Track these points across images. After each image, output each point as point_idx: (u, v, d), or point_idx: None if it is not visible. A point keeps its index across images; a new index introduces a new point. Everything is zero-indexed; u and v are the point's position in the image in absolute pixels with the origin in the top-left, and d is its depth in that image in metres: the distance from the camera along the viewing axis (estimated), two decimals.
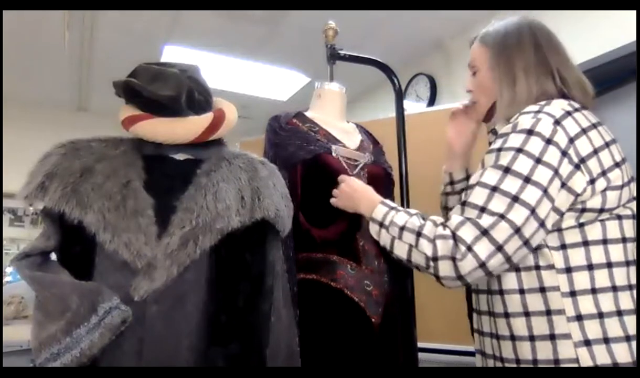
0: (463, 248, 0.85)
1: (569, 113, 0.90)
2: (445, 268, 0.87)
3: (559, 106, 0.92)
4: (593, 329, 0.84)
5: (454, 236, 0.87)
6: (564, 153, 0.86)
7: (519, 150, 0.87)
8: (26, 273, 0.85)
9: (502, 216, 0.84)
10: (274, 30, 2.89)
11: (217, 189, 0.92)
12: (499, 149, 0.90)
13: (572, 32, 2.23)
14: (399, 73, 1.47)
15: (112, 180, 0.88)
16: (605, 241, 0.87)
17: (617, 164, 0.89)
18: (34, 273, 0.84)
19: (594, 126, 0.91)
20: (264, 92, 3.79)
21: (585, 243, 0.87)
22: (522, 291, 0.90)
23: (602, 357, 0.82)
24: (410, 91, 3.25)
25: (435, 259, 0.88)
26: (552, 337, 0.85)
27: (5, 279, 3.47)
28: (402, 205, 1.41)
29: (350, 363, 1.12)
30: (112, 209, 0.85)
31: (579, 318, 0.84)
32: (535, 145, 0.86)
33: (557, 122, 0.88)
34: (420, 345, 1.34)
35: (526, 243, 0.85)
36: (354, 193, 1.12)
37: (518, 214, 0.84)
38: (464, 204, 0.91)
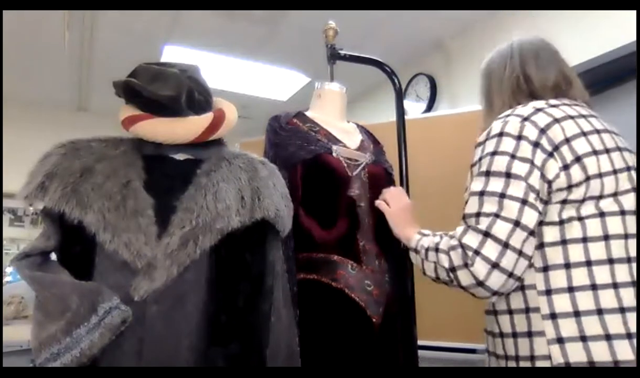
0: (470, 253, 0.88)
1: (540, 110, 0.95)
2: (464, 277, 0.90)
3: (531, 106, 0.98)
4: (568, 327, 0.84)
5: (461, 244, 0.90)
6: (536, 144, 0.90)
7: (494, 153, 0.93)
8: (26, 273, 0.85)
9: (496, 215, 0.88)
10: (274, 30, 2.89)
11: (217, 189, 0.92)
12: (480, 159, 0.96)
13: (572, 32, 2.24)
14: (399, 73, 1.47)
15: (112, 180, 0.88)
16: (585, 240, 0.88)
17: (595, 152, 0.91)
18: (34, 273, 0.84)
19: (571, 117, 0.95)
20: (264, 92, 3.79)
21: (564, 242, 0.88)
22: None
23: (576, 355, 0.83)
24: (410, 91, 3.25)
25: (452, 269, 0.91)
26: (530, 334, 0.88)
27: (5, 279, 3.47)
28: None
29: (351, 363, 1.11)
30: (112, 209, 0.85)
31: (553, 316, 0.86)
32: (507, 144, 0.92)
33: (525, 119, 0.94)
34: (420, 343, 1.35)
35: (532, 233, 0.87)
36: (405, 217, 1.17)
37: (511, 209, 0.87)
38: (463, 217, 0.95)
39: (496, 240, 0.87)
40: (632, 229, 0.89)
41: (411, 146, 1.44)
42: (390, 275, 1.26)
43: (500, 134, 0.93)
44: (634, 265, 0.87)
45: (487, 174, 0.92)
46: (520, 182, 0.88)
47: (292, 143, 1.22)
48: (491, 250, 0.87)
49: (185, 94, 0.94)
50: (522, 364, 0.90)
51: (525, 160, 0.89)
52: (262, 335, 0.90)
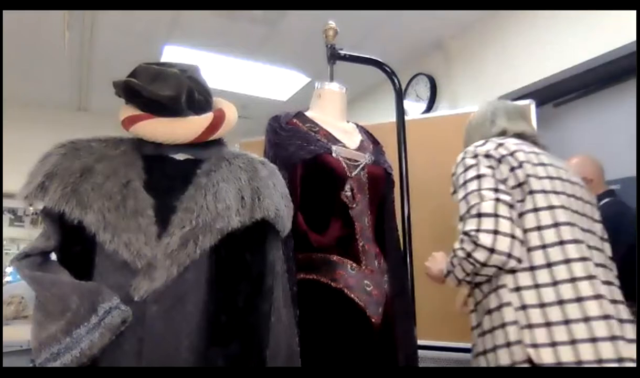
0: (473, 233, 1.07)
1: (488, 141, 1.23)
2: (479, 254, 1.07)
3: (484, 141, 1.24)
4: (530, 297, 1.05)
5: (465, 233, 1.10)
6: (488, 156, 1.18)
7: (465, 169, 1.19)
8: (26, 273, 0.85)
9: (480, 202, 1.10)
10: (274, 30, 2.89)
11: (217, 189, 0.91)
12: (457, 179, 1.20)
13: (572, 32, 2.24)
14: (399, 73, 1.47)
15: (112, 180, 0.88)
16: (528, 230, 1.09)
17: (530, 162, 1.16)
18: (34, 273, 0.84)
19: (515, 143, 1.21)
20: (264, 92, 3.79)
21: (524, 231, 1.09)
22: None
23: (536, 318, 1.03)
24: (410, 91, 3.25)
25: (469, 255, 1.08)
26: (500, 307, 1.08)
27: (5, 279, 3.47)
28: (402, 205, 1.42)
29: (350, 363, 1.12)
30: (112, 209, 0.85)
31: (518, 289, 1.07)
32: (469, 162, 1.19)
33: (478, 146, 1.22)
34: (420, 342, 1.35)
35: (511, 206, 1.09)
36: (436, 260, 1.36)
37: (488, 194, 1.10)
38: (460, 220, 1.14)
39: (488, 215, 1.07)
40: (561, 218, 1.09)
41: (411, 146, 1.44)
42: (389, 275, 1.26)
43: (463, 159, 1.21)
44: (567, 246, 1.07)
45: (464, 183, 1.16)
46: (489, 178, 1.14)
47: (292, 143, 1.22)
48: (487, 222, 1.07)
49: (185, 94, 0.94)
50: (497, 333, 1.08)
51: (487, 165, 1.16)
52: (262, 335, 0.90)
